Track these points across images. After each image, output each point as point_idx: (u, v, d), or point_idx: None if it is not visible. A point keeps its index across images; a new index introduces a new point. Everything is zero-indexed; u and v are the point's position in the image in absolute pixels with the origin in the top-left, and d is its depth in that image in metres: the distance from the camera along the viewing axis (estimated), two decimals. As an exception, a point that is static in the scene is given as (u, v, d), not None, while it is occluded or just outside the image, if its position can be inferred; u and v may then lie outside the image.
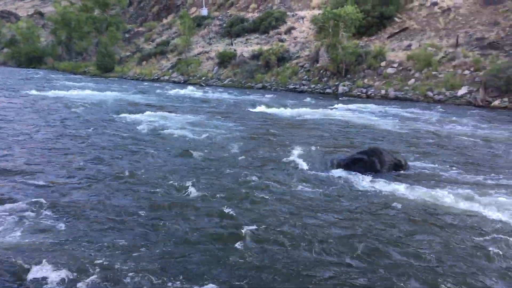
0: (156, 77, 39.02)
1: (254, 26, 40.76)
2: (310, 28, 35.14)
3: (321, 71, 28.56)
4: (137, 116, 14.93)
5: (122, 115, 15.30)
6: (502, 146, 11.32)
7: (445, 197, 6.88)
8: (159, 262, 4.86)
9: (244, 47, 37.24)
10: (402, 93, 23.54)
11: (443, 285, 4.47)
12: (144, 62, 44.21)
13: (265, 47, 34.58)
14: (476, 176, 8.25)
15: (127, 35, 55.42)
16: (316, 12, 34.99)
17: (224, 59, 35.33)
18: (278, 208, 6.44)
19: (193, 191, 7.02)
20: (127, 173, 7.92)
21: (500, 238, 5.50)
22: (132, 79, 39.66)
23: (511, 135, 12.89)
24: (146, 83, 34.80)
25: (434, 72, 23.91)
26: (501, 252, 5.16)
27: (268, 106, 18.62)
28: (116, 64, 45.57)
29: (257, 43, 37.90)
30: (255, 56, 33.48)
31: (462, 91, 21.55)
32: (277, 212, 6.27)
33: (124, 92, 25.25)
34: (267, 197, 6.88)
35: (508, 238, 5.49)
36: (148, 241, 5.37)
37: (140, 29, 56.80)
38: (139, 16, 65.43)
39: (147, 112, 15.86)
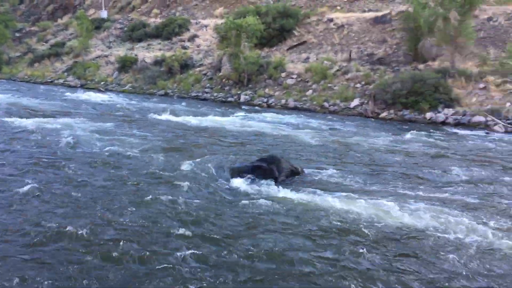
0: (50, 80, 36.67)
1: (156, 32, 40.10)
2: (213, 37, 35.40)
3: (224, 79, 28.88)
4: (30, 122, 13.93)
5: (13, 120, 14.18)
6: (387, 154, 12.29)
7: (336, 201, 7.31)
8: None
9: (146, 53, 36.47)
10: (301, 103, 24.60)
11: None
12: (36, 64, 41.35)
13: (168, 54, 34.16)
14: (365, 181, 8.86)
15: (17, 34, 51.47)
16: (219, 21, 35.37)
17: (125, 64, 34.26)
18: (174, 218, 6.39)
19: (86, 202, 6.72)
20: (25, 189, 7.35)
21: (374, 239, 5.96)
22: (22, 81, 36.95)
23: (395, 144, 14.05)
24: (42, 87, 32.60)
25: (329, 84, 25.31)
26: (369, 254, 5.59)
27: (171, 113, 18.40)
28: (4, 65, 42.13)
29: (160, 49, 37.33)
30: (158, 62, 32.92)
31: (354, 102, 23.07)
32: (172, 222, 6.22)
33: (16, 95, 23.41)
34: (161, 207, 6.80)
35: (384, 239, 5.97)
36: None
37: (33, 28, 53.09)
38: (32, 14, 61.22)
39: (43, 119, 14.88)
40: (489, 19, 26.90)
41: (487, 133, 17.86)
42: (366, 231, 6.20)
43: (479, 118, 19.47)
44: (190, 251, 5.32)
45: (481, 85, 21.57)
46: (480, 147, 14.27)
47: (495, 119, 19.09)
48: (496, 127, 18.67)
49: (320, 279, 4.87)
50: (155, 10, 47.65)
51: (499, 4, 28.27)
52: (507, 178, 9.84)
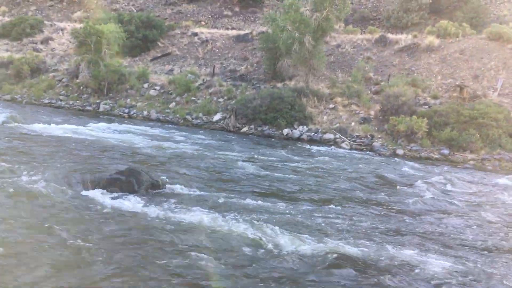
0: None
1: (4, 31, 36.26)
2: (70, 41, 33.15)
3: (81, 87, 27.19)
4: None
5: None
6: (244, 168, 12.67)
7: (195, 215, 7.26)
8: None
9: (-10, 53, 32.72)
10: (164, 115, 24.27)
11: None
12: None
13: (17, 56, 31.06)
14: (224, 195, 8.98)
15: None
16: (78, 25, 33.31)
17: (-37, 64, 30.26)
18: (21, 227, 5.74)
19: None
20: None
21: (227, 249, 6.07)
22: None
23: (254, 158, 14.56)
24: None
25: (193, 98, 25.42)
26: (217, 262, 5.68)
27: (14, 120, 16.59)
28: None
29: (7, 50, 33.80)
30: (4, 64, 29.70)
31: (217, 117, 23.49)
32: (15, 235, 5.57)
33: None
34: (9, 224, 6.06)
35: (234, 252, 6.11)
36: None
37: None
38: None
39: None
40: (338, 45, 29.70)
41: (335, 149, 19.54)
42: (208, 244, 6.21)
43: (329, 136, 21.25)
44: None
45: (331, 105, 23.59)
46: (326, 161, 15.52)
47: (342, 137, 21.01)
48: (343, 144, 20.54)
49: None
50: (3, 8, 43.14)
51: (346, 33, 31.38)
52: (343, 186, 10.94)
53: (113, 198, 7.79)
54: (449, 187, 12.56)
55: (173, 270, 5.31)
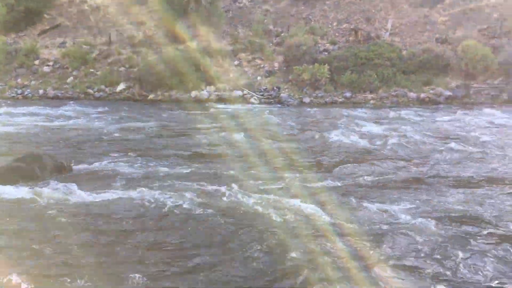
0: None
1: None
2: None
3: (-38, 71, 24.62)
4: None
5: None
6: (158, 137, 12.43)
7: (108, 194, 7.01)
8: None
9: None
10: (62, 91, 22.82)
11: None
12: None
13: None
14: (133, 167, 8.74)
15: None
16: None
17: None
18: None
19: None
20: None
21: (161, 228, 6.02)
22: None
23: (165, 124, 14.29)
24: None
25: (91, 70, 24.09)
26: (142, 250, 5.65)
27: None
28: None
29: None
30: None
31: (120, 87, 22.54)
32: None
33: None
34: None
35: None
36: None
37: None
38: None
39: None
40: (235, 0, 29.40)
41: (245, 105, 19.74)
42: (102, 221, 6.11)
43: (238, 93, 21.35)
44: None
45: (236, 62, 23.60)
46: (239, 118, 15.70)
47: (250, 92, 21.22)
48: (252, 99, 20.79)
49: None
50: None
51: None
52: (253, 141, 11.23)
53: (11, 188, 7.24)
54: (352, 125, 13.29)
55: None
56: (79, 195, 7.01)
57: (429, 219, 5.81)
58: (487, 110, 16.87)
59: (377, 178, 7.98)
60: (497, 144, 10.91)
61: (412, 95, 20.67)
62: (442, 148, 10.40)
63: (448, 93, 20.64)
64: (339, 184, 7.57)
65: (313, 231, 5.56)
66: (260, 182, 7.70)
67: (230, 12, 28.28)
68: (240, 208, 6.42)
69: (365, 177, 8.00)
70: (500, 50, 22.38)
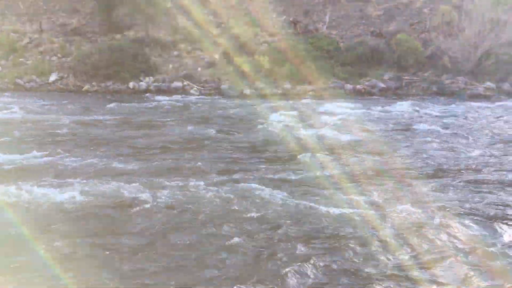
0: None
1: None
2: None
3: None
4: None
5: None
6: (92, 128, 12.01)
7: (59, 190, 6.68)
8: None
9: None
10: (-11, 83, 21.45)
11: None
12: None
13: None
14: (56, 159, 8.40)
15: None
16: None
17: None
18: None
19: None
20: None
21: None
22: None
23: (101, 117, 13.82)
24: None
25: (21, 59, 22.83)
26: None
27: None
28: None
29: None
30: None
31: (52, 77, 21.50)
32: None
33: None
34: None
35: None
36: None
37: None
38: None
39: None
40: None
41: (186, 97, 19.48)
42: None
43: (178, 84, 21.02)
44: None
45: (175, 53, 23.23)
46: (179, 110, 15.52)
47: (191, 84, 20.98)
48: (192, 91, 20.56)
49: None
50: None
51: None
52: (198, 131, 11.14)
53: None
54: (289, 119, 13.51)
55: None
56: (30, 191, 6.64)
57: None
58: (413, 102, 17.56)
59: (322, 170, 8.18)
60: (432, 133, 11.51)
61: (349, 86, 21.29)
62: (400, 138, 10.84)
63: (382, 84, 21.46)
64: (281, 176, 7.68)
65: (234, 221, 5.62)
66: (215, 175, 7.66)
67: (170, 1, 27.71)
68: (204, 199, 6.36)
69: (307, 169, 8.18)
70: (429, 43, 23.56)
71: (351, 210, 5.93)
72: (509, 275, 4.38)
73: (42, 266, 4.58)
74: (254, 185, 6.86)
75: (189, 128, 12.01)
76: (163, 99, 18.38)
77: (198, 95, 20.06)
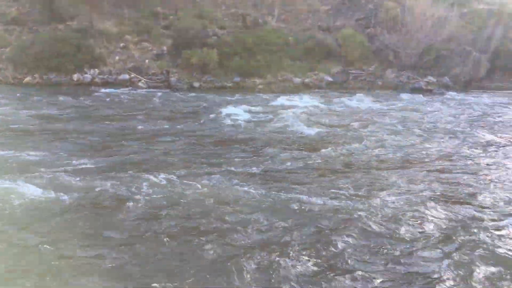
0: None
1: None
2: None
3: None
4: None
5: None
6: (37, 121, 11.55)
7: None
8: None
9: None
10: None
11: None
12: None
13: None
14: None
15: None
16: None
17: None
18: None
19: None
20: None
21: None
22: None
23: (44, 110, 13.30)
24: None
25: (-46, 49, 21.45)
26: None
27: None
28: None
29: None
30: None
31: (-10, 69, 20.38)
32: None
33: None
34: None
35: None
36: None
37: None
38: None
39: None
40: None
41: (134, 89, 19.06)
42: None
43: (124, 76, 20.52)
44: None
45: (122, 44, 22.61)
46: (128, 103, 15.18)
47: (138, 76, 20.54)
48: (140, 83, 20.14)
49: None
50: None
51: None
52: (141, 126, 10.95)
53: None
54: (239, 111, 13.56)
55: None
56: None
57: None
58: (360, 95, 18.01)
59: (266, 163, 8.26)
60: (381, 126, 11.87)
61: (297, 80, 21.57)
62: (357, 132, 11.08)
63: (330, 78, 21.90)
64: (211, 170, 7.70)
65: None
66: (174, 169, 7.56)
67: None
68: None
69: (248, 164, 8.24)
70: (374, 39, 24.25)
71: (323, 202, 6.02)
72: (484, 259, 4.61)
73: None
74: (224, 179, 6.85)
75: (143, 121, 11.82)
76: (110, 92, 17.92)
77: (147, 88, 19.68)
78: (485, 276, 4.28)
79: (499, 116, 14.14)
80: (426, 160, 8.40)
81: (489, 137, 10.73)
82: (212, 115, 12.91)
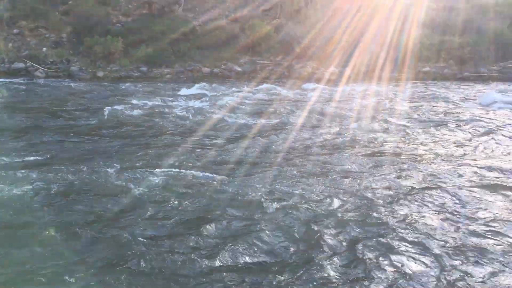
0: None
1: None
2: None
3: None
4: None
5: None
6: None
7: None
8: None
9: None
10: None
11: None
12: None
13: None
14: None
15: None
16: None
17: None
18: None
19: None
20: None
21: None
22: None
23: None
24: None
25: None
26: None
27: None
28: None
29: None
30: None
31: None
32: None
33: None
34: None
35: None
36: None
37: None
38: None
39: None
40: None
41: (30, 79, 17.76)
42: None
43: (19, 65, 19.09)
44: None
45: (16, 31, 20.96)
46: (26, 93, 14.11)
47: (35, 65, 19.18)
48: (37, 73, 18.84)
49: None
50: None
51: None
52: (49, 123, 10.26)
53: None
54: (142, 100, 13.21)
55: None
56: None
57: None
58: (268, 85, 18.34)
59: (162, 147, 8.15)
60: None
61: (206, 70, 21.52)
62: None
63: (238, 68, 22.10)
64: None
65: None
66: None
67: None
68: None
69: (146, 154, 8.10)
70: (280, 30, 24.86)
71: (268, 190, 5.99)
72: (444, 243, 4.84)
73: None
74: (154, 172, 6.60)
75: (45, 114, 11.03)
76: (2, 81, 16.53)
77: (45, 77, 18.45)
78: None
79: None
80: (356, 145, 8.79)
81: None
82: (108, 108, 12.24)
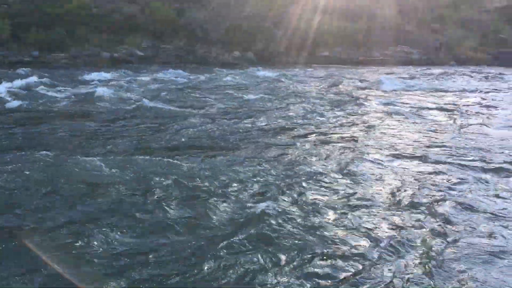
0: None
1: None
2: None
3: None
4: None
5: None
6: None
7: None
8: None
9: None
10: None
11: None
12: None
13: None
14: None
15: None
16: None
17: None
18: None
19: None
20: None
21: None
22: None
23: None
24: None
25: None
26: None
27: None
28: None
29: None
30: None
31: None
32: None
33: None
34: None
35: None
36: None
37: None
38: None
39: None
40: None
41: None
42: None
43: None
44: None
45: None
46: None
47: None
48: None
49: None
50: None
51: None
52: None
53: None
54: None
55: None
56: None
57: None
58: (172, 70, 17.91)
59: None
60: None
61: (106, 54, 20.59)
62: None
63: (140, 53, 21.44)
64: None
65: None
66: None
67: None
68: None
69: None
70: (183, 14, 24.46)
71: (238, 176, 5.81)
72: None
73: None
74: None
75: None
76: None
77: None
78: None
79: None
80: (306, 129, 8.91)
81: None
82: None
